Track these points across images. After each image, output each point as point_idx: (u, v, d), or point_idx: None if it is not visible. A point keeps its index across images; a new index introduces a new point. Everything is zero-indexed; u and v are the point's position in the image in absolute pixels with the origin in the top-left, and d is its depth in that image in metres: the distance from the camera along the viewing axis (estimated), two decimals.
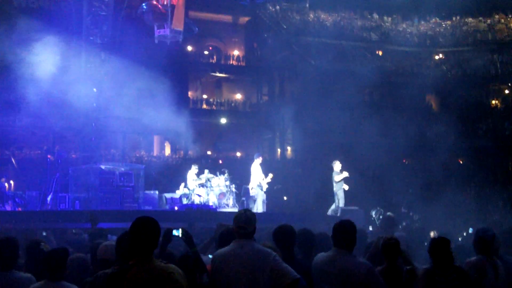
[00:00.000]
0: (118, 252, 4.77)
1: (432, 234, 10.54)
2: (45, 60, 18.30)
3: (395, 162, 20.45)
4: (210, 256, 5.43)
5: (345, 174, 16.56)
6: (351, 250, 5.19)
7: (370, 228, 13.36)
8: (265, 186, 16.91)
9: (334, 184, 16.63)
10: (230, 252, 4.87)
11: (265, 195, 17.11)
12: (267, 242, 5.75)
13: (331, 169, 16.67)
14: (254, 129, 30.09)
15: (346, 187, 16.44)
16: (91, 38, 19.01)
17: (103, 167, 17.68)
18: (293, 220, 13.34)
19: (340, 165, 16.74)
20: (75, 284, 4.94)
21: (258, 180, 16.80)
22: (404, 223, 15.49)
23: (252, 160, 17.53)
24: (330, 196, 17.39)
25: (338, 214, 15.60)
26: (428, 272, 5.40)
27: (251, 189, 16.96)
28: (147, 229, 4.08)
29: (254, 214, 5.06)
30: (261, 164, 17.11)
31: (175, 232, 4.66)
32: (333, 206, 16.60)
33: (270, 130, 31.11)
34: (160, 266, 4.05)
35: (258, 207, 16.68)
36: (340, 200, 16.51)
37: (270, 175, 17.06)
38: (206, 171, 18.64)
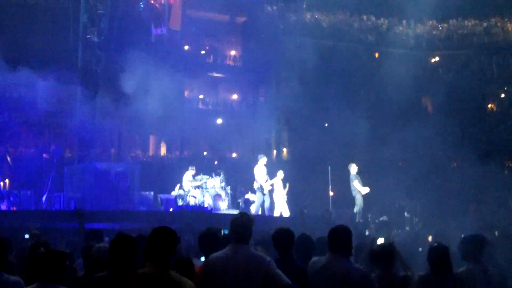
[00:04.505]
0: (112, 255, 4.67)
1: (429, 238, 10.49)
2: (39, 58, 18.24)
3: (392, 165, 20.44)
4: (202, 259, 5.42)
5: (364, 188, 16.34)
6: (346, 255, 5.16)
7: (367, 232, 13.32)
8: (267, 189, 16.44)
9: (352, 188, 16.48)
10: (225, 257, 4.85)
11: (269, 200, 16.73)
12: (258, 247, 5.73)
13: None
14: (250, 130, 30.00)
15: (363, 191, 16.27)
16: (88, 36, 18.91)
17: (98, 166, 17.63)
18: (289, 223, 13.29)
19: (356, 167, 16.55)
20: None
21: (261, 183, 16.37)
22: (407, 228, 15.44)
23: (253, 162, 17.23)
24: (326, 198, 17.32)
25: (356, 220, 15.51)
26: (423, 278, 5.37)
27: (256, 192, 16.61)
28: (167, 238, 4.28)
29: (250, 218, 5.04)
30: (265, 165, 16.76)
31: None
32: (355, 210, 16.48)
33: (266, 131, 31.04)
34: (174, 275, 4.18)
35: (256, 209, 16.51)
36: (357, 205, 16.36)
37: (281, 172, 16.87)
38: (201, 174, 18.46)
